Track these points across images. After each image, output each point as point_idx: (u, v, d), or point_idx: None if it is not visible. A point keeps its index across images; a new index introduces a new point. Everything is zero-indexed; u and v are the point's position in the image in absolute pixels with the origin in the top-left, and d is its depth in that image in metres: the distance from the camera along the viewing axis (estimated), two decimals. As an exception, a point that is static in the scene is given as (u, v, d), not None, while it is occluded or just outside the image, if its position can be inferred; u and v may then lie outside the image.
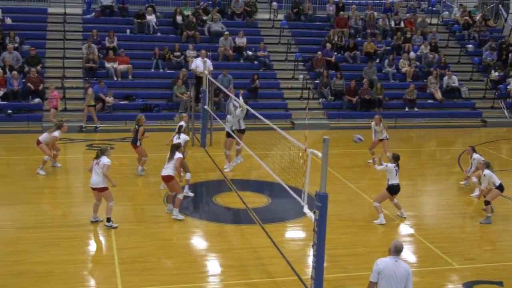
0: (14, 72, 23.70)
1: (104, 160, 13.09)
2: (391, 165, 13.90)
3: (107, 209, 13.21)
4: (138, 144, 16.75)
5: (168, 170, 13.77)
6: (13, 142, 21.06)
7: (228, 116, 17.47)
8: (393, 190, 14.04)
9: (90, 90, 22.57)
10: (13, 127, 22.70)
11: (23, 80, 24.02)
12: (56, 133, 16.99)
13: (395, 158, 14.04)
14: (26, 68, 24.51)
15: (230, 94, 18.04)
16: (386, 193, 14.14)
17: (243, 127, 17.19)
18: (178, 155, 13.78)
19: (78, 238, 12.75)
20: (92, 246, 12.55)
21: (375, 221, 14.07)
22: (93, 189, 13.23)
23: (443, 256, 12.53)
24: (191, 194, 15.50)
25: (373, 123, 18.54)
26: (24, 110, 23.45)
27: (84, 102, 23.01)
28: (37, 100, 23.80)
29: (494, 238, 14.00)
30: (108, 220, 13.21)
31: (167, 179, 13.82)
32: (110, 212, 13.22)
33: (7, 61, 24.29)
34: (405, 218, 14.36)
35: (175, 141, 15.34)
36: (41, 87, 23.91)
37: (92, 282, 11.02)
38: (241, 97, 17.29)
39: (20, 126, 22.90)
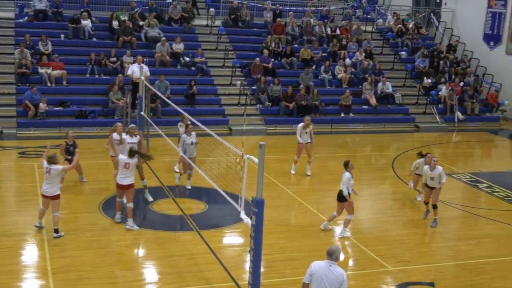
0: None
1: (55, 167, 12.84)
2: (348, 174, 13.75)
3: (54, 220, 12.97)
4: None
5: (131, 178, 13.63)
6: None
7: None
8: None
9: None
10: None
11: (-47, 86, 23.30)
12: None
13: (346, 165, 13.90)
14: (-44, 74, 23.81)
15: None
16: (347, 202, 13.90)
17: (194, 154, 16.77)
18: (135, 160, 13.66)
19: (11, 248, 12.44)
20: (25, 256, 12.25)
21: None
22: (45, 196, 12.97)
23: (377, 259, 12.77)
24: (151, 199, 15.52)
25: (301, 125, 18.14)
26: (-46, 116, 22.73)
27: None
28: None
29: (426, 240, 14.36)
30: (56, 231, 12.96)
31: (129, 187, 13.65)
32: (57, 223, 12.98)
33: None
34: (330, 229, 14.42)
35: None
36: (-29, 93, 23.27)
37: (24, 292, 10.76)
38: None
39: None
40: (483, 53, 30.99)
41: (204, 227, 13.93)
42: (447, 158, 22.01)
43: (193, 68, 26.96)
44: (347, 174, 13.67)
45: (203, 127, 14.50)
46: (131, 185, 13.65)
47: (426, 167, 15.02)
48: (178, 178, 16.78)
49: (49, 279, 11.02)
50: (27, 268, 11.70)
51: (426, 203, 15.11)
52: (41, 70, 24.82)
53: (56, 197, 12.97)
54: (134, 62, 24.09)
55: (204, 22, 29.95)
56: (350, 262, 12.67)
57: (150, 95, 21.08)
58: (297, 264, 12.17)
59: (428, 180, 14.97)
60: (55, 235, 12.95)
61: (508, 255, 13.41)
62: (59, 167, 12.95)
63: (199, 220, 14.35)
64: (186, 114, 16.26)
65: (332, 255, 8.34)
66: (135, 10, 28.55)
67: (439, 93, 28.46)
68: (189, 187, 16.55)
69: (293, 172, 18.47)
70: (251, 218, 9.70)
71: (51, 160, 12.90)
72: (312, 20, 30.76)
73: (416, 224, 15.04)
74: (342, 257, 8.49)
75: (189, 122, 16.31)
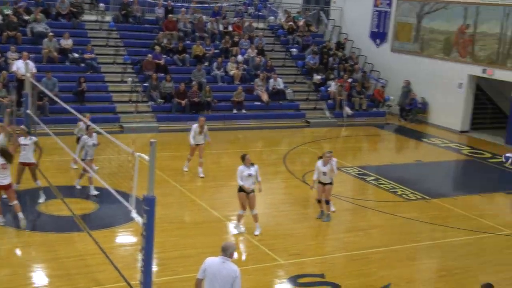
0: None
1: None
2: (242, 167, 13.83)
3: None
4: None
5: (10, 177, 13.31)
6: None
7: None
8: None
9: None
10: None
11: None
12: None
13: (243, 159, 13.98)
14: None
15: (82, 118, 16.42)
16: (247, 195, 13.97)
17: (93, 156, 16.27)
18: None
19: None
20: None
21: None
22: None
23: (269, 253, 12.99)
24: (43, 199, 15.08)
25: (195, 125, 17.97)
26: None
27: None
28: None
29: (317, 233, 14.73)
30: None
31: (8, 187, 13.33)
32: None
33: None
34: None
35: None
36: None
37: None
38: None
39: None
40: (370, 50, 32.08)
41: (95, 227, 13.67)
42: (336, 152, 22.41)
43: (82, 65, 26.28)
44: (240, 167, 13.82)
45: (93, 125, 14.25)
46: (9, 185, 13.35)
47: (319, 162, 15.22)
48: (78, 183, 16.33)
49: None
50: None
51: (319, 201, 15.39)
52: None
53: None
54: (19, 58, 23.25)
55: (93, 18, 29.29)
56: (243, 257, 12.81)
57: (37, 93, 20.40)
58: (190, 261, 12.17)
59: (320, 175, 15.23)
60: None
61: (393, 245, 13.98)
62: None
63: (89, 220, 14.06)
64: (87, 115, 16.09)
65: (226, 251, 8.36)
66: (19, 5, 27.50)
67: (329, 89, 29.21)
68: (95, 192, 15.90)
69: (185, 169, 18.42)
70: (142, 217, 9.62)
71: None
72: (204, 17, 30.77)
73: (307, 218, 15.39)
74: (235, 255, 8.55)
75: (89, 123, 15.84)
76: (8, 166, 13.21)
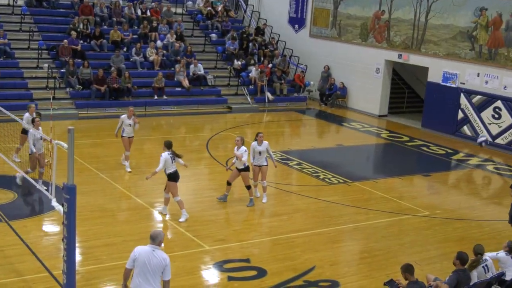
0: None
1: None
2: (165, 154, 13.70)
3: None
4: None
5: None
6: None
7: None
8: (173, 177, 13.84)
9: None
10: None
11: None
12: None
13: (168, 145, 13.85)
14: None
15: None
16: (172, 183, 13.83)
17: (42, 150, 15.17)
18: None
19: None
20: None
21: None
22: None
23: (195, 239, 12.95)
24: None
25: (124, 116, 17.07)
26: None
27: None
28: None
29: (241, 218, 14.78)
30: None
31: None
32: None
33: None
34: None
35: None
36: None
37: None
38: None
39: None
40: (289, 35, 32.33)
41: (15, 217, 13.25)
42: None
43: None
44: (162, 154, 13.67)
45: (8, 112, 13.78)
46: None
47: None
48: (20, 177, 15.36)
49: None
50: None
51: (249, 187, 15.29)
52: None
53: None
54: None
55: (5, 1, 28.21)
56: (169, 244, 12.72)
57: None
58: (114, 249, 12.01)
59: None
60: None
61: (315, 228, 14.21)
62: None
63: (8, 210, 13.61)
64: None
65: (155, 240, 8.30)
66: None
67: (249, 74, 29.29)
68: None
69: (128, 170, 17.43)
70: (63, 205, 9.39)
71: None
72: (121, 1, 30.18)
73: (231, 204, 15.41)
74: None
75: (34, 115, 15.05)
76: None
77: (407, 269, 9.49)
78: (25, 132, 15.97)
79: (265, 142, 15.31)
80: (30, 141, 14.78)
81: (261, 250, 12.91)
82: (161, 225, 13.77)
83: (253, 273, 11.67)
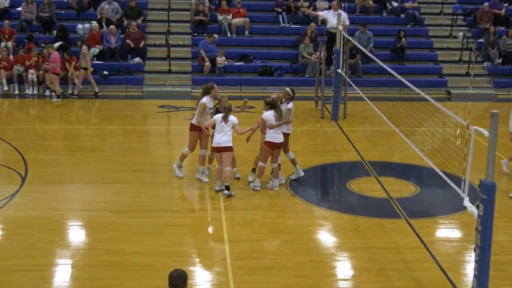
0: (112, 27, 24.31)
1: (232, 118, 13.89)
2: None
3: (224, 175, 13.96)
4: None
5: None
6: (108, 109, 21.72)
7: None
8: None
9: (84, 48, 22.75)
10: (109, 91, 23.42)
11: (122, 36, 24.64)
12: (205, 100, 14.72)
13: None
14: (126, 22, 25.11)
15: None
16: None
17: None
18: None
19: (183, 225, 12.95)
20: (199, 236, 12.67)
21: None
22: (216, 149, 14.00)
23: None
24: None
25: None
26: (122, 71, 24.09)
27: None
28: (137, 59, 24.37)
29: None
30: (227, 188, 13.96)
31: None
32: (228, 179, 13.96)
33: (104, 13, 25.00)
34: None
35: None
36: (142, 44, 24.44)
37: (198, 280, 11.08)
38: None
39: (117, 90, 23.60)
40: None
41: (415, 215, 13.58)
42: None
43: (402, 16, 26.42)
44: None
45: (416, 88, 14.13)
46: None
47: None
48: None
49: (227, 266, 11.26)
50: (201, 251, 12.04)
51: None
52: (220, 17, 25.54)
53: (226, 149, 13.89)
54: (329, 8, 24.02)
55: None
56: None
57: (349, 49, 20.91)
58: None
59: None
60: (226, 192, 13.94)
61: None
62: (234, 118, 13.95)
63: (408, 206, 14.02)
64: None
65: None
66: None
67: None
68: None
69: None
70: (477, 207, 9.30)
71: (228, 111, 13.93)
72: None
73: None
74: None
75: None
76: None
77: None
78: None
79: None
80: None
81: None
82: None
83: None
